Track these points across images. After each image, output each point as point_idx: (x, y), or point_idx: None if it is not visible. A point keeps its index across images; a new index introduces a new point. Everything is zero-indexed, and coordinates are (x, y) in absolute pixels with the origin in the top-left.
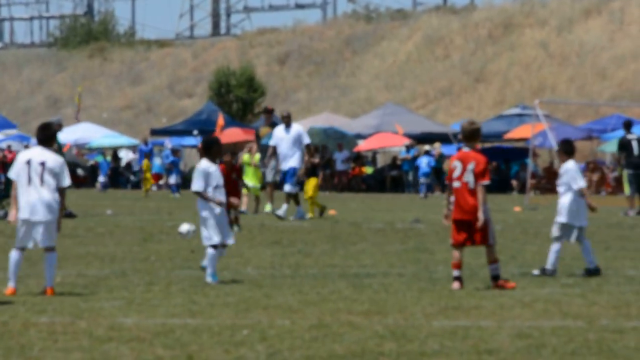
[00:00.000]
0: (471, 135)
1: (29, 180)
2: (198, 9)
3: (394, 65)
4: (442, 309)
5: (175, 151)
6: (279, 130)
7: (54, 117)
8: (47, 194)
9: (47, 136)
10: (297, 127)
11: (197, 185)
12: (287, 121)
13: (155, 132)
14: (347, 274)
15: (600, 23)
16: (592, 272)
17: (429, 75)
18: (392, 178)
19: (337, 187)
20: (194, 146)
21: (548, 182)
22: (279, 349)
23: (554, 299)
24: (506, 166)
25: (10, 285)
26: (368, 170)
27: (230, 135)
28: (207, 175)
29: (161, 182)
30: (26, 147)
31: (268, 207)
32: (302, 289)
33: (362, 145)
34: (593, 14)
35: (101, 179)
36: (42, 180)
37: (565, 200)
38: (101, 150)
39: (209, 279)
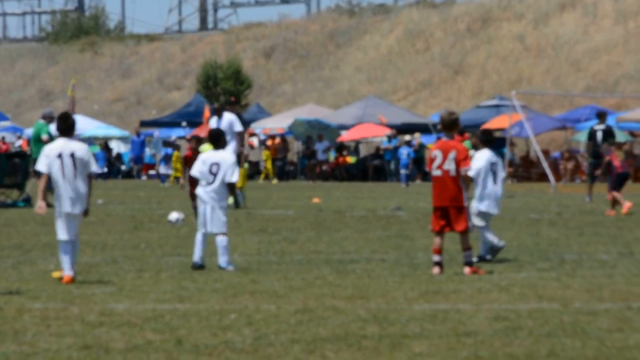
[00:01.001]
0: (450, 125)
1: (63, 174)
2: (186, 4)
3: (376, 58)
4: (422, 293)
5: (165, 142)
6: (212, 121)
7: (46, 109)
8: (82, 186)
9: (67, 125)
10: (228, 116)
11: (237, 176)
12: (218, 113)
13: (145, 124)
14: (331, 260)
15: (575, 17)
16: (481, 259)
17: (410, 68)
18: (375, 167)
19: (320, 176)
20: (182, 137)
21: (525, 170)
22: (265, 333)
23: (530, 282)
24: None
25: (68, 273)
26: (351, 159)
27: None
28: None
29: (152, 172)
30: (19, 137)
31: (230, 200)
32: (287, 274)
33: (345, 136)
34: (568, 8)
35: (105, 169)
36: (75, 173)
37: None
38: (92, 141)
39: (230, 268)
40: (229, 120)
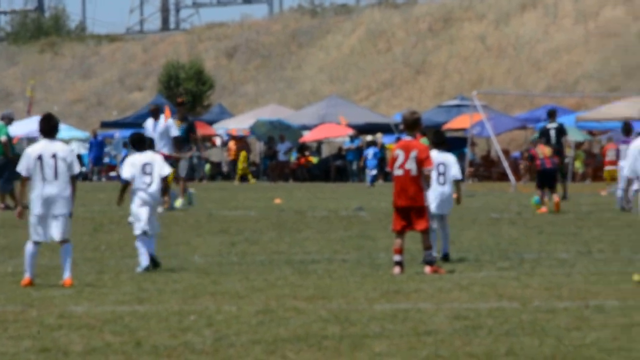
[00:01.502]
0: (413, 124)
1: (43, 176)
2: (148, 4)
3: (338, 58)
4: (383, 293)
5: (125, 144)
6: (149, 123)
7: (6, 110)
8: (63, 187)
9: (50, 127)
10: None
11: (169, 169)
12: (155, 115)
13: (105, 125)
14: (292, 260)
15: (536, 16)
16: (444, 257)
17: (372, 68)
18: (337, 168)
19: (282, 176)
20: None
21: (485, 170)
22: (226, 334)
23: (490, 282)
24: None
25: (27, 276)
26: (313, 160)
27: None
28: None
29: (112, 173)
30: None
31: (179, 202)
32: (248, 275)
33: (307, 136)
34: (528, 8)
35: None
36: (56, 174)
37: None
38: None
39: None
40: (165, 124)
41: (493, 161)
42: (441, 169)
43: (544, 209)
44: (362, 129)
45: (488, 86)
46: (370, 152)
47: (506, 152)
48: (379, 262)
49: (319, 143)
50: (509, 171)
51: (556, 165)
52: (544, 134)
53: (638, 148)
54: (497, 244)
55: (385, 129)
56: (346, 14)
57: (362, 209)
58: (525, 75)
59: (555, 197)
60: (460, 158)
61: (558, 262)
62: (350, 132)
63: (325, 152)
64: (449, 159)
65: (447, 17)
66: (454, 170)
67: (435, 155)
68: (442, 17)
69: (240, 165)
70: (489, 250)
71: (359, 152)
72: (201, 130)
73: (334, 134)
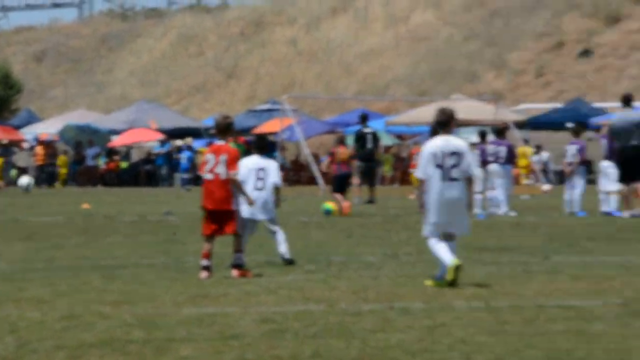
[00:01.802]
0: (225, 129)
1: None
2: None
3: (149, 62)
4: (190, 297)
5: None
6: None
7: None
8: None
9: None
10: None
11: None
12: None
13: None
14: (99, 265)
15: (347, 21)
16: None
17: (183, 72)
18: (146, 172)
19: (90, 181)
20: None
21: (295, 174)
22: (29, 340)
23: (297, 285)
24: None
25: None
26: (123, 165)
27: None
28: None
29: None
30: None
31: None
32: (54, 281)
33: (116, 141)
34: (339, 12)
35: None
36: None
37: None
38: None
39: None
40: None
41: (302, 165)
42: (261, 174)
43: (346, 204)
44: (173, 134)
45: (299, 90)
46: (183, 156)
47: (316, 156)
48: (187, 266)
49: (129, 148)
50: (318, 175)
51: (351, 169)
52: (361, 138)
53: (431, 149)
54: (306, 247)
55: (196, 133)
56: (157, 17)
57: (171, 214)
58: (336, 79)
59: (346, 202)
60: None
61: (365, 265)
62: (160, 136)
63: (135, 156)
64: (270, 164)
65: (259, 21)
66: (274, 176)
67: (257, 160)
68: (254, 21)
69: (64, 170)
70: (297, 254)
71: (168, 156)
72: (8, 135)
73: (144, 138)
